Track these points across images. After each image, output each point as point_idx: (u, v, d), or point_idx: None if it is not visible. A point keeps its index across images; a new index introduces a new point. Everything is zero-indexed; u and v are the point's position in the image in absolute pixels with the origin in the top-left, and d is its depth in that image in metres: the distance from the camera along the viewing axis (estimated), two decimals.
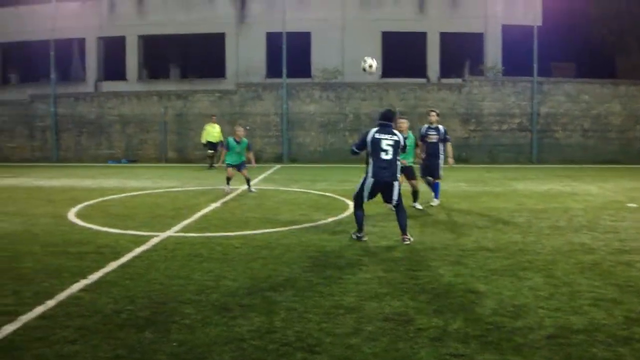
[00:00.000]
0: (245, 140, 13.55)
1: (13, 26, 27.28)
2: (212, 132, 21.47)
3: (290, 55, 24.12)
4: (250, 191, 13.42)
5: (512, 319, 4.79)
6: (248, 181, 13.64)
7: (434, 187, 11.42)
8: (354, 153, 8.19)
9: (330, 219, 9.74)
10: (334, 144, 23.70)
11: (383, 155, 7.79)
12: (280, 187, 14.78)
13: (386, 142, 7.81)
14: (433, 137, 11.29)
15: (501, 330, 4.54)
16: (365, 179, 7.93)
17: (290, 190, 13.97)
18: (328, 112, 24.15)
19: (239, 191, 13.57)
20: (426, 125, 11.52)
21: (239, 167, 13.47)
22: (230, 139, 13.47)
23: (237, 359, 4.07)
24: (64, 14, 26.16)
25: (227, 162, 13.42)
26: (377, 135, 7.84)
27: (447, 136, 11.55)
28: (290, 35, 24.12)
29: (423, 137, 11.42)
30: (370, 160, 7.88)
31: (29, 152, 25.96)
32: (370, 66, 9.09)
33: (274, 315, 4.93)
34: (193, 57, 28.01)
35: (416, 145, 11.33)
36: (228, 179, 13.39)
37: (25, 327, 4.70)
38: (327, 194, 13.26)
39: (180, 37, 27.22)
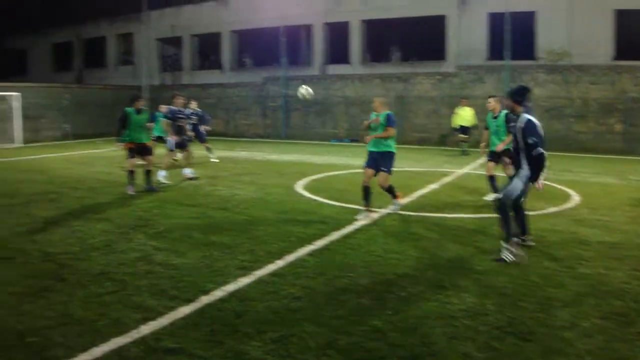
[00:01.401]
0: (384, 113, 8.49)
1: (248, 14, 30.05)
2: (464, 115, 20.14)
3: (513, 36, 23.14)
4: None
5: None
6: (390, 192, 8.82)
7: None
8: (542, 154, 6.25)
9: (551, 209, 9.33)
10: (559, 131, 22.04)
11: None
12: (498, 172, 14.37)
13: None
14: None
15: None
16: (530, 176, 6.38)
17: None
18: (553, 96, 22.69)
19: (457, 174, 13.58)
20: None
21: (375, 164, 8.61)
22: (373, 116, 8.59)
23: (448, 335, 4.26)
24: (292, 2, 28.14)
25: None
26: (538, 121, 6.38)
27: None
28: (514, 15, 23.07)
29: None
30: (536, 151, 6.23)
31: (262, 129, 28.68)
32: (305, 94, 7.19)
33: (487, 298, 5.02)
34: (414, 40, 28.13)
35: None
36: (365, 191, 8.55)
37: (259, 281, 5.46)
38: (547, 182, 12.63)
39: (402, 21, 27.55)
